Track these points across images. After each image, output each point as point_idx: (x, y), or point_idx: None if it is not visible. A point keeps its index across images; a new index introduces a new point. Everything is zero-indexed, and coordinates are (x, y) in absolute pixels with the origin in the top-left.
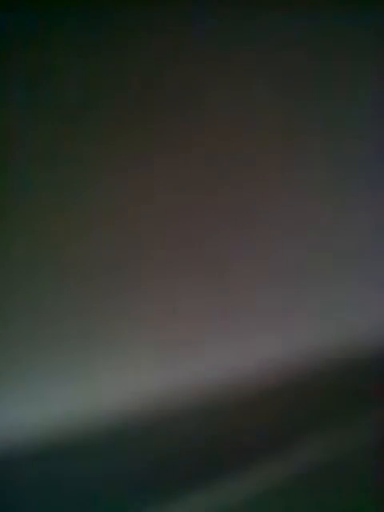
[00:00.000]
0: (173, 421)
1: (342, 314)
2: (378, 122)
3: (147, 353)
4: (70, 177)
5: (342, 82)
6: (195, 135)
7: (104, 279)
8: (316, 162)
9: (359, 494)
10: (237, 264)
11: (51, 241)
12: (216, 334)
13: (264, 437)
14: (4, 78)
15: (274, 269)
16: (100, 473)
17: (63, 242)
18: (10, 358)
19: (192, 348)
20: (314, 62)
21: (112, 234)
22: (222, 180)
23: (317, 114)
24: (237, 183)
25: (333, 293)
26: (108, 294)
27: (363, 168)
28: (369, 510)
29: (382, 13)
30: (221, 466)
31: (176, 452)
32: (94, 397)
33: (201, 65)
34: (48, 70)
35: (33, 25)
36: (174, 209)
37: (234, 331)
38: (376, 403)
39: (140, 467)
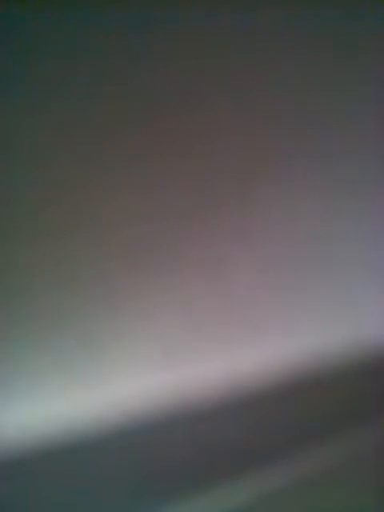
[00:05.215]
0: (173, 423)
1: (345, 316)
2: (379, 122)
3: (149, 354)
4: (71, 175)
5: (342, 82)
6: (196, 136)
7: (105, 279)
8: (317, 164)
9: (361, 498)
10: (239, 265)
11: (51, 240)
12: (218, 336)
13: (266, 438)
14: (5, 79)
15: (275, 271)
16: (99, 473)
17: (63, 241)
18: (10, 360)
19: (194, 350)
20: (315, 63)
21: (112, 235)
22: (224, 181)
23: (318, 116)
24: (238, 184)
25: (335, 295)
26: (108, 294)
27: (363, 171)
28: None
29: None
30: (221, 468)
31: (176, 454)
32: (93, 398)
33: (201, 65)
34: (48, 71)
35: (33, 26)
36: (176, 209)
37: (235, 334)
38: (379, 404)
39: (140, 468)
